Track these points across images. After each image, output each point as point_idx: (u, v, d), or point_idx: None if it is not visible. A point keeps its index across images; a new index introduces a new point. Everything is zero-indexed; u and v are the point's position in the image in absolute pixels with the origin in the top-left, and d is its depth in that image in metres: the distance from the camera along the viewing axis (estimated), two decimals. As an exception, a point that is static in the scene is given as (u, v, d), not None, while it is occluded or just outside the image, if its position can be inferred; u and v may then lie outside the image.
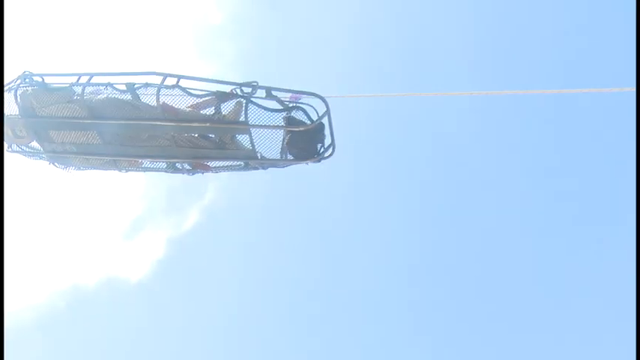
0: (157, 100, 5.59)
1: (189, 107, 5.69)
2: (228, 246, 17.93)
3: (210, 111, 5.66)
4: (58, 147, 6.40)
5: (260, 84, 5.43)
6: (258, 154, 5.63)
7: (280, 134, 5.52)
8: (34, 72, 6.31)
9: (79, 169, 6.66)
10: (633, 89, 5.32)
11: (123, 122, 5.79)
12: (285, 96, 5.46)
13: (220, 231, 18.29)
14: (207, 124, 5.53)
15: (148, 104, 5.78)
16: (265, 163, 5.71)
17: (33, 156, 6.80)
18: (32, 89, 6.23)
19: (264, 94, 5.46)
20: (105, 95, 5.92)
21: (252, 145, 5.58)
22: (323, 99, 5.35)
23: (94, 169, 6.60)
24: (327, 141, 5.50)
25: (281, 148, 5.55)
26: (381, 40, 15.61)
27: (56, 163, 6.68)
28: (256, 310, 17.28)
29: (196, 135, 5.79)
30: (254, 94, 5.46)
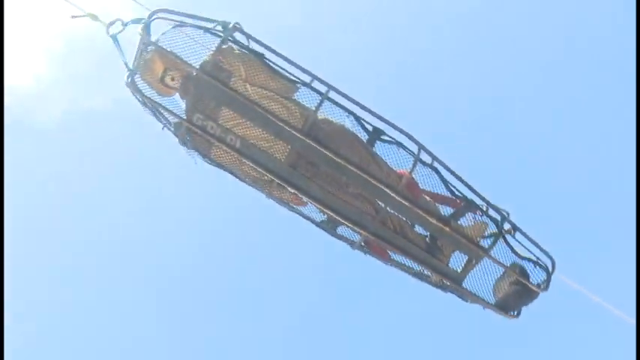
0: (412, 170, 4.61)
1: (429, 195, 4.80)
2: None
3: (445, 211, 4.85)
4: (214, 129, 4.77)
5: (510, 217, 4.87)
6: (464, 283, 4.92)
7: (499, 274, 4.94)
8: (245, 29, 4.77)
9: (214, 163, 5.04)
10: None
11: (342, 161, 4.59)
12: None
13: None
14: (446, 229, 4.67)
15: (388, 164, 4.72)
16: (458, 291, 5.00)
17: (154, 111, 4.98)
18: (242, 52, 4.66)
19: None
20: (338, 121, 4.70)
21: (466, 271, 4.86)
22: (554, 265, 4.96)
23: (237, 177, 5.05)
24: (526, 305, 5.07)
25: (491, 289, 4.95)
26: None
27: (187, 141, 4.97)
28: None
29: (405, 219, 4.85)
30: (502, 224, 4.84)
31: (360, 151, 4.64)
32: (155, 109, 4.96)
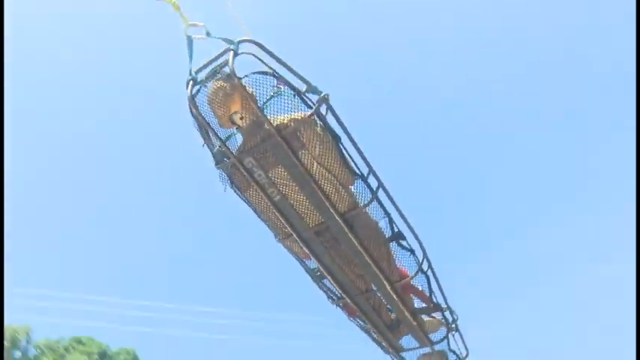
0: (412, 277, 5.26)
1: (412, 289, 5.52)
2: None
3: (416, 302, 5.66)
4: (261, 177, 4.81)
5: (458, 321, 5.88)
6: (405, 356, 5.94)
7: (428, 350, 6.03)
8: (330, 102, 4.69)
9: (243, 198, 5.08)
10: None
11: (363, 251, 5.05)
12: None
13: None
14: (414, 323, 5.51)
15: (395, 262, 5.27)
16: (395, 356, 6.00)
17: (203, 131, 4.80)
18: (323, 131, 4.65)
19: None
20: (375, 217, 5.06)
21: (407, 349, 5.86)
22: (467, 357, 6.21)
23: (258, 215, 5.17)
24: None
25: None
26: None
27: (225, 172, 4.91)
28: None
29: (385, 302, 5.57)
30: (451, 324, 5.83)
31: (381, 249, 5.14)
32: (206, 130, 4.81)
